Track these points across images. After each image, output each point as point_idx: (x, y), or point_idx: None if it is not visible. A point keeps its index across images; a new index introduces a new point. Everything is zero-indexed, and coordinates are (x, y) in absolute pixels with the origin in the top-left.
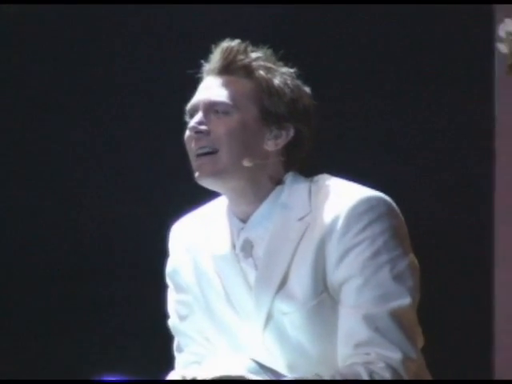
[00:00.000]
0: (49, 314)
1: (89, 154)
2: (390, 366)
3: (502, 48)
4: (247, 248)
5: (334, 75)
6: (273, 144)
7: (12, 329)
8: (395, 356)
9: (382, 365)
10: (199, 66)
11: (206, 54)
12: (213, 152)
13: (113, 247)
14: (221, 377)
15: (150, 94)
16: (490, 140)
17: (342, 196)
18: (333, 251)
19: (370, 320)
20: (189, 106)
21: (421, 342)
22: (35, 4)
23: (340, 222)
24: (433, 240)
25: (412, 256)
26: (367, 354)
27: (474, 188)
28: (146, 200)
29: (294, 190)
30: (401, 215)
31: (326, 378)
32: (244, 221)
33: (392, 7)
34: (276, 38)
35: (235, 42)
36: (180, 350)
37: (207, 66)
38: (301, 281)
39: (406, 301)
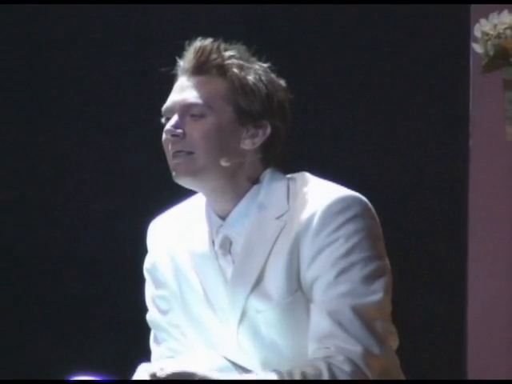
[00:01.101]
0: (21, 313)
1: (71, 152)
2: (349, 360)
3: (477, 48)
4: (226, 245)
5: (312, 74)
6: (250, 143)
7: None
8: (354, 349)
9: (341, 358)
10: (173, 64)
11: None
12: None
13: (90, 245)
14: (174, 373)
15: (136, 93)
16: (465, 138)
17: (319, 195)
18: (307, 250)
19: (333, 315)
20: (164, 107)
21: (393, 342)
22: (34, 4)
23: (315, 221)
24: (407, 238)
25: (385, 258)
26: (327, 347)
27: (449, 186)
28: (125, 197)
29: (272, 188)
30: (376, 216)
31: (286, 373)
32: (223, 218)
33: (368, 6)
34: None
35: (208, 41)
36: (157, 343)
37: (181, 66)
38: (276, 279)
39: (372, 299)
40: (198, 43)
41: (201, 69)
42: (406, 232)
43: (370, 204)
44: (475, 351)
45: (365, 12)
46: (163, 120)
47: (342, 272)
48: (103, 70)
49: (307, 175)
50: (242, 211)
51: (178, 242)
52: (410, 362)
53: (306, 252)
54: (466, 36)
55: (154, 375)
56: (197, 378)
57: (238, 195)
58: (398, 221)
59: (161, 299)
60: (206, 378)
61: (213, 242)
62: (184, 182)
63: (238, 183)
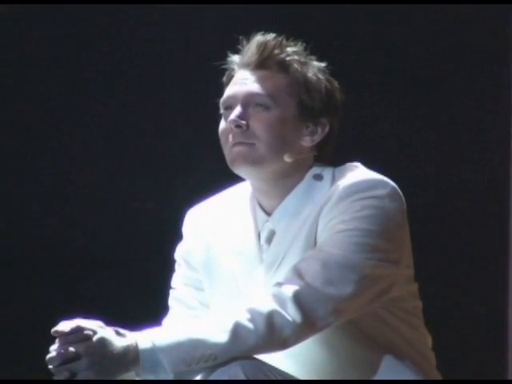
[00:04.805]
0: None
1: (98, 145)
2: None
3: None
4: (272, 239)
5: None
6: (309, 140)
7: None
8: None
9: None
10: (225, 58)
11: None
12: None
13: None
14: (78, 326)
15: (162, 85)
16: (507, 140)
17: (352, 177)
18: (324, 219)
19: (302, 267)
20: (225, 97)
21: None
22: (37, 4)
23: (338, 194)
24: (448, 240)
25: (393, 244)
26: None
27: (490, 187)
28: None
29: (318, 182)
30: (404, 204)
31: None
32: (269, 213)
33: (408, 7)
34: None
35: (270, 37)
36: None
37: (239, 60)
38: (297, 254)
39: (349, 268)
40: (261, 38)
41: (263, 64)
42: (446, 233)
43: (399, 191)
44: None
45: (403, 13)
46: (222, 110)
47: (338, 233)
48: (140, 64)
49: (355, 164)
50: (287, 207)
51: (217, 230)
52: (449, 362)
53: (323, 221)
54: (506, 37)
55: (56, 331)
56: (96, 337)
57: (287, 191)
58: (438, 222)
59: (195, 280)
60: (107, 337)
61: (259, 237)
62: (242, 170)
63: (290, 179)
